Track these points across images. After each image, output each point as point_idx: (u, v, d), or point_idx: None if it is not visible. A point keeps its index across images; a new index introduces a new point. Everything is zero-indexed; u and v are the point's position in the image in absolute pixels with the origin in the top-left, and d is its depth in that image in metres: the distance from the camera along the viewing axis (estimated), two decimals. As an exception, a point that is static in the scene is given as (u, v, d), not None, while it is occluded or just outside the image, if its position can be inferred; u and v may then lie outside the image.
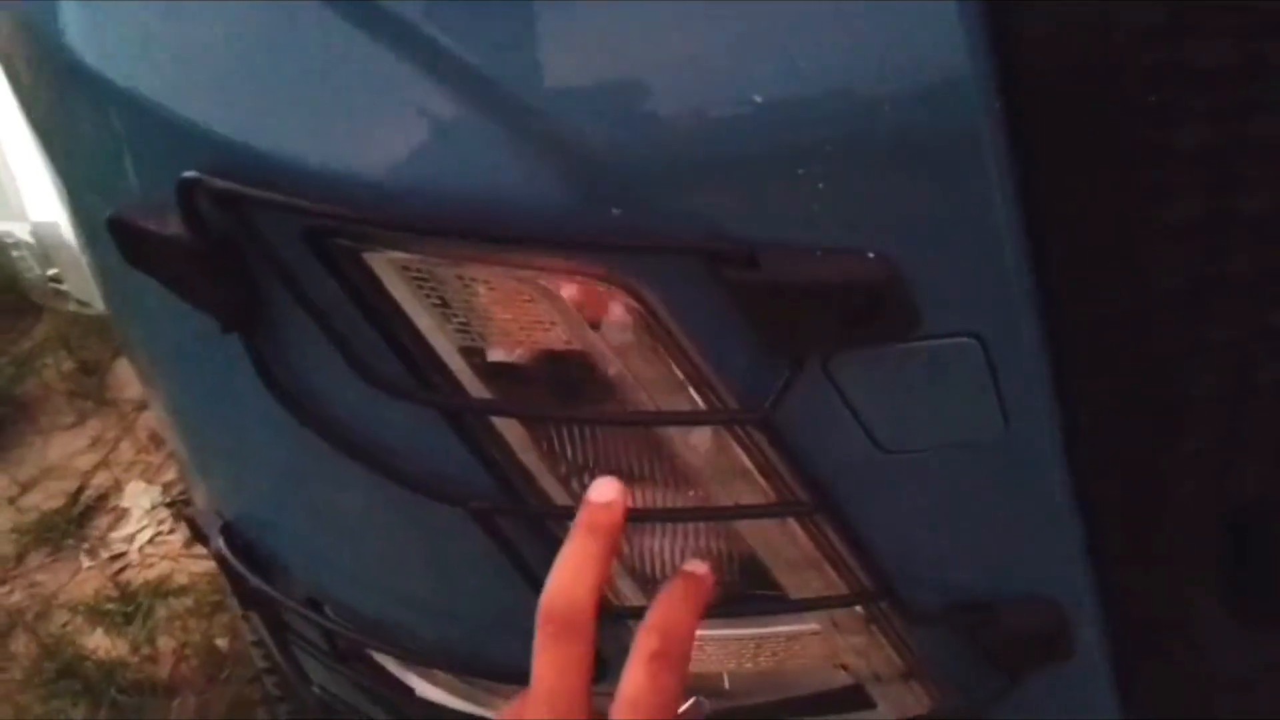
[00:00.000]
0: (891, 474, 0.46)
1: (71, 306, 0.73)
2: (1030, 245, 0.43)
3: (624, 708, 0.38)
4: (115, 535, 1.77)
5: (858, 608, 0.52)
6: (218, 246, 0.37)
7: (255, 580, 0.51)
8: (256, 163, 0.37)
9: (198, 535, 0.58)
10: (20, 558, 1.75)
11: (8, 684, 1.56)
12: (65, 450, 1.94)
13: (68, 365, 2.08)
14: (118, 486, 1.85)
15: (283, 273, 0.37)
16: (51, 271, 0.67)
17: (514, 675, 0.51)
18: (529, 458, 0.43)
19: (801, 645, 0.54)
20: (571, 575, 0.38)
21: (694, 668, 0.54)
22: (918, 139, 0.38)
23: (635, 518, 0.44)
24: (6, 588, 1.71)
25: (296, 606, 0.51)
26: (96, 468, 1.89)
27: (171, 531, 1.76)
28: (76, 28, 0.41)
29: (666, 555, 0.51)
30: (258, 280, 0.39)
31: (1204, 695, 0.65)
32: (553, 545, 0.45)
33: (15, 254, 0.68)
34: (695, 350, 0.41)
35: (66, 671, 1.53)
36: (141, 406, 1.96)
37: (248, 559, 0.52)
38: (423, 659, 0.50)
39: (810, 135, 0.37)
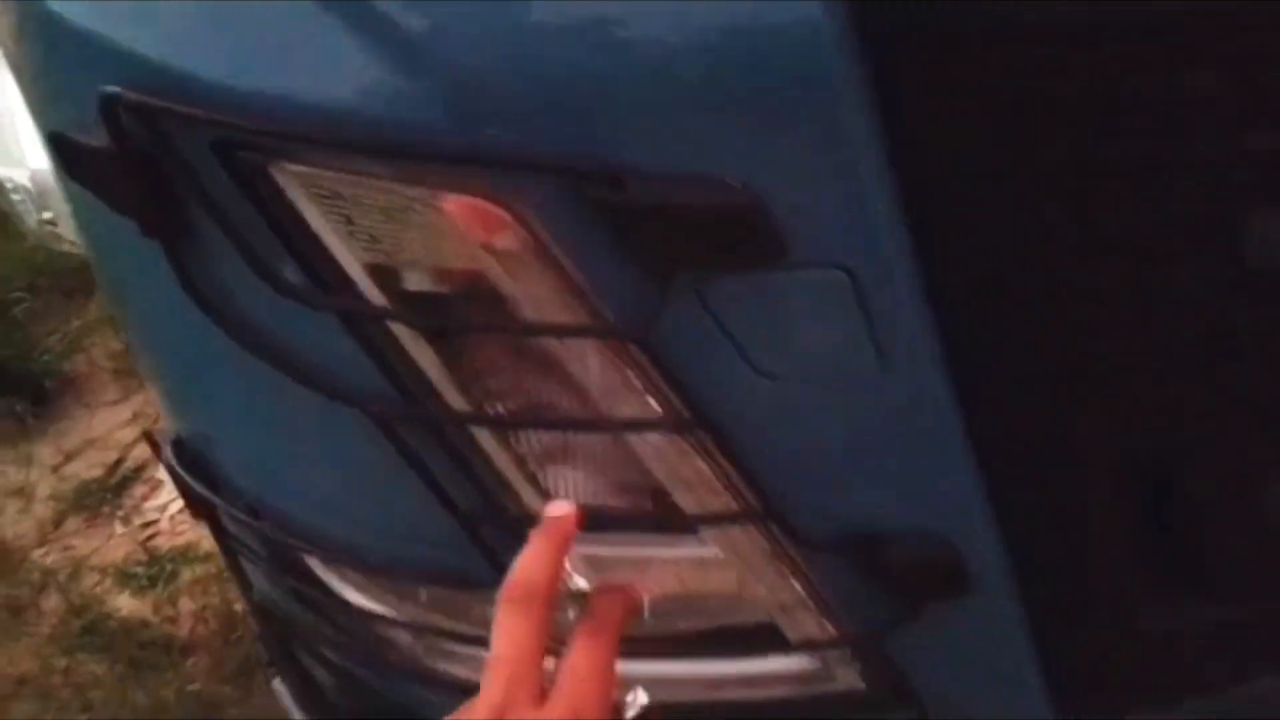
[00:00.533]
0: (772, 399, 0.49)
1: (65, 247, 0.78)
2: (903, 188, 0.46)
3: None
4: (149, 504, 1.85)
5: (759, 536, 0.55)
6: (139, 157, 0.42)
7: (197, 487, 0.55)
8: (173, 81, 0.41)
9: (154, 448, 0.63)
10: (58, 522, 1.84)
11: (36, 638, 1.64)
12: (108, 424, 2.03)
13: (114, 344, 2.17)
14: (153, 460, 1.93)
15: (190, 181, 0.41)
16: (47, 215, 0.73)
17: (422, 577, 0.55)
18: (428, 367, 0.47)
19: (707, 572, 0.58)
20: (530, 562, 0.44)
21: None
22: (773, 78, 0.41)
23: (521, 423, 0.48)
24: (43, 549, 1.80)
25: (232, 510, 0.55)
26: (136, 441, 1.97)
27: (200, 502, 1.83)
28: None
29: (576, 478, 0.54)
30: (177, 190, 0.43)
31: (1128, 651, 0.67)
32: (450, 451, 0.49)
33: (15, 198, 0.75)
34: (576, 269, 0.44)
35: (91, 629, 1.61)
36: (181, 384, 2.04)
37: (196, 471, 0.57)
38: (341, 561, 0.55)
39: (670, 69, 0.41)
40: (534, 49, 0.40)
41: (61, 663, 1.56)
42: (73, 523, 1.83)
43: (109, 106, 0.41)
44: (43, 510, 1.86)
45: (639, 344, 0.45)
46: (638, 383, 0.48)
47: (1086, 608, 0.64)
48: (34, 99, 0.49)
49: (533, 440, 0.51)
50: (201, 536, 1.75)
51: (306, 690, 0.69)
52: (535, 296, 0.45)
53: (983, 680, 0.64)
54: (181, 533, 1.78)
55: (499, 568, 0.47)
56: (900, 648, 0.61)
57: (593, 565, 0.57)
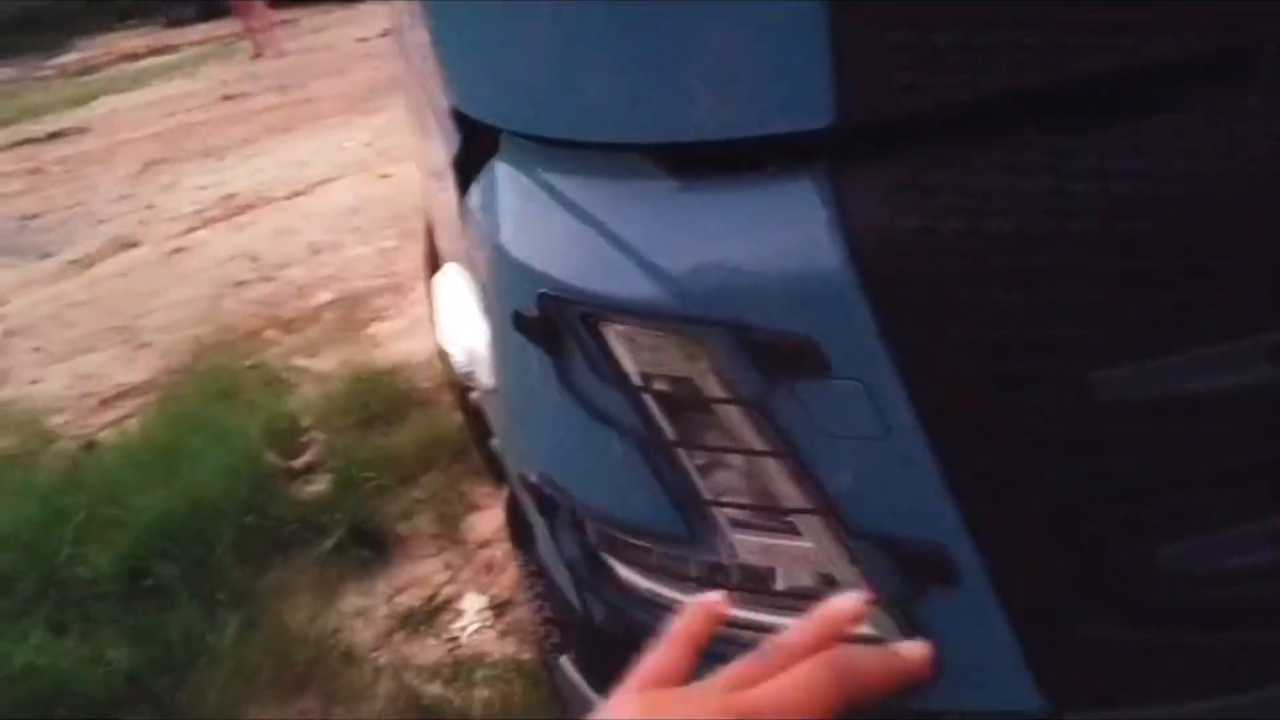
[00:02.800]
0: (828, 446, 0.98)
1: (475, 395, 1.37)
2: (891, 342, 0.96)
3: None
4: (454, 626, 2.43)
5: (832, 527, 1.03)
6: (552, 319, 0.99)
7: (547, 490, 1.09)
8: (562, 285, 0.98)
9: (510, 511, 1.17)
10: (389, 635, 2.45)
11: (371, 715, 2.21)
12: (426, 570, 2.66)
13: (434, 515, 2.82)
14: (459, 595, 2.52)
15: (569, 330, 0.98)
16: (468, 370, 1.32)
17: (657, 536, 1.07)
18: (662, 420, 1.00)
19: (803, 554, 1.05)
20: (653, 661, 0.73)
21: (753, 561, 1.07)
22: (815, 313, 0.94)
23: (706, 447, 1.00)
24: (378, 652, 2.39)
25: (554, 497, 1.09)
26: (446, 583, 2.58)
27: (490, 626, 2.39)
28: (510, 229, 1.06)
29: (737, 485, 1.05)
30: (563, 335, 1.00)
31: (1085, 654, 1.07)
32: (670, 462, 1.02)
33: (453, 360, 1.34)
34: (730, 373, 0.97)
35: (411, 708, 2.17)
36: (483, 544, 2.66)
37: (543, 499, 1.11)
38: (612, 526, 1.07)
39: (782, 310, 0.94)
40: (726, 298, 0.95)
41: (382, 726, 2.12)
42: (399, 636, 2.43)
43: (541, 298, 0.98)
44: (379, 626, 2.47)
45: (758, 409, 0.96)
46: (763, 432, 0.99)
47: (1038, 613, 1.06)
48: (490, 293, 1.08)
49: (711, 460, 1.03)
50: (490, 650, 2.31)
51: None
52: (714, 385, 0.98)
53: (979, 666, 1.00)
54: (476, 645, 2.33)
55: (692, 529, 0.99)
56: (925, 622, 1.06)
57: (758, 551, 1.07)
